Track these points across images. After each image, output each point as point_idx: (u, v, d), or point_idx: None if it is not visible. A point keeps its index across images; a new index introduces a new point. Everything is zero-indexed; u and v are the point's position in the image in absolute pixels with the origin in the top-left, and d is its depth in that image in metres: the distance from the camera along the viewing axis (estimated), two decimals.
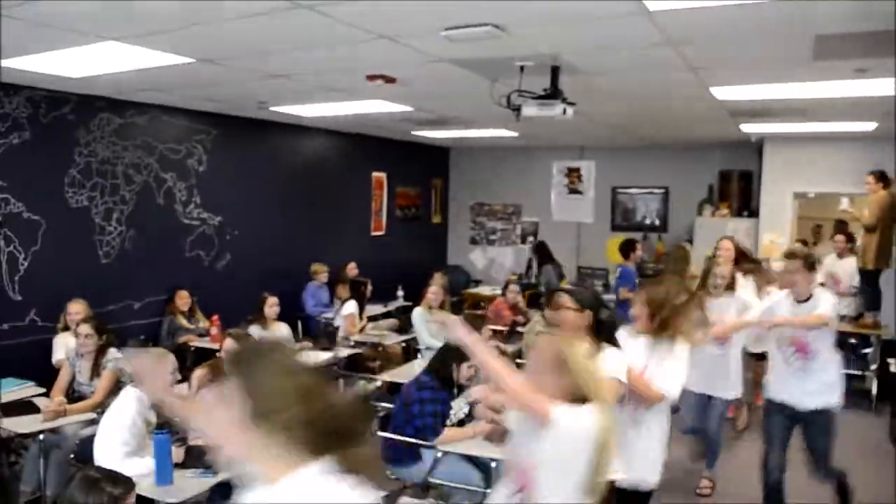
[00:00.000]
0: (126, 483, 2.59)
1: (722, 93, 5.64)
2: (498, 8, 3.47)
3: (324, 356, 6.37)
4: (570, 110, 4.69)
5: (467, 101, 6.27)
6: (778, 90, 5.40)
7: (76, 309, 5.62)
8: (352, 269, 8.72)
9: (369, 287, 8.00)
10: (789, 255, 4.47)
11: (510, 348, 6.65)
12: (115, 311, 6.65)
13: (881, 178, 7.52)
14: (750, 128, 7.93)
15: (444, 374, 4.47)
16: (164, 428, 3.64)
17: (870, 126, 7.34)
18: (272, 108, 7.22)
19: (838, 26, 3.59)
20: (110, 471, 2.69)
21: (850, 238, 8.11)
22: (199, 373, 4.30)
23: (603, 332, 3.26)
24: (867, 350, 7.82)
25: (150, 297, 7.04)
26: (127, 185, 6.79)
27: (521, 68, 4.67)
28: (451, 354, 4.49)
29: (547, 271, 9.93)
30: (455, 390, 4.52)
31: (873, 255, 7.43)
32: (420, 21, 3.75)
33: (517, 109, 4.76)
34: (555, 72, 4.70)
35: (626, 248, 8.10)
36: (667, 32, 3.80)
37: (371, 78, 5.24)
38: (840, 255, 7.97)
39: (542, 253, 10.16)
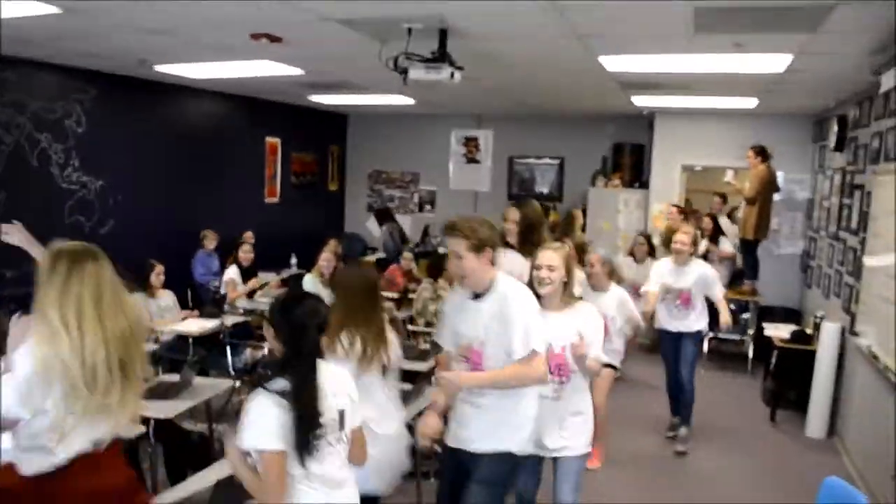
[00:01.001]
0: None
1: (610, 63, 5.72)
2: None
3: (210, 323, 6.21)
4: (457, 74, 4.66)
5: (358, 64, 6.15)
6: (663, 62, 5.51)
7: None
8: (249, 238, 8.49)
9: (242, 253, 7.73)
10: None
11: (402, 314, 6.69)
12: None
13: (760, 152, 7.86)
14: (641, 101, 8.11)
15: None
16: None
17: (751, 102, 7.63)
18: (156, 68, 6.90)
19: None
20: None
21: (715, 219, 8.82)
22: None
23: None
24: (745, 315, 8.22)
25: (26, 266, 6.62)
26: None
27: (409, 31, 4.61)
28: None
29: (384, 232, 10.31)
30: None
31: (753, 226, 7.77)
32: None
33: (404, 72, 4.70)
34: (443, 35, 4.65)
35: None
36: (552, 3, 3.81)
37: (255, 37, 5.06)
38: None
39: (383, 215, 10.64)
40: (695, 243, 5.83)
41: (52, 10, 4.43)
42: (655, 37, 4.73)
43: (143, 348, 2.67)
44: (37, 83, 6.70)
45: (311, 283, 6.59)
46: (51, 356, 2.28)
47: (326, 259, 6.73)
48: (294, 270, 9.19)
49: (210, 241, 8.21)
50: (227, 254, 8.23)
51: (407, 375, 4.97)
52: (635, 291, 6.13)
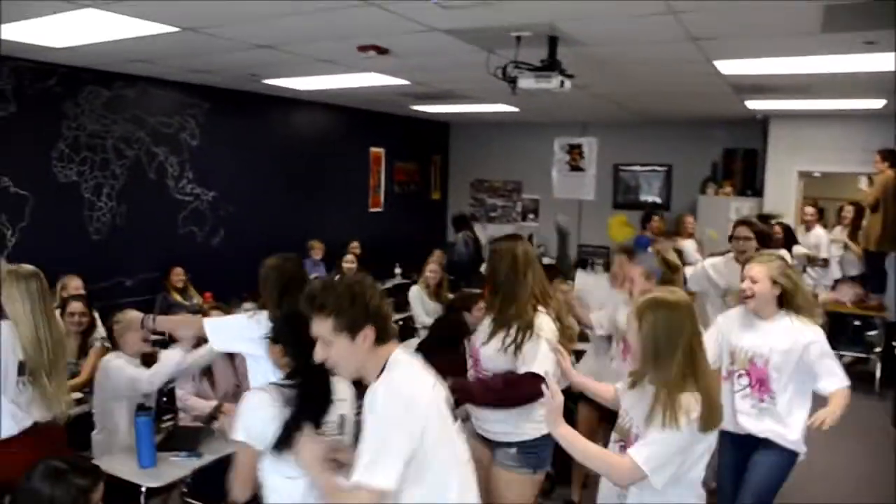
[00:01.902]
0: (94, 473, 2.48)
1: (726, 67, 5.46)
2: None
3: None
4: (567, 83, 4.53)
5: (464, 73, 6.10)
6: (783, 64, 5.21)
7: (75, 284, 5.53)
8: (354, 248, 8.57)
9: (346, 263, 7.78)
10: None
11: None
12: (107, 288, 6.53)
13: (888, 157, 7.34)
14: (755, 104, 7.74)
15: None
16: (146, 409, 3.55)
17: (878, 103, 7.14)
18: (265, 81, 7.05)
19: None
20: (76, 460, 2.58)
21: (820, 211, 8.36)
22: None
23: None
24: (871, 332, 7.70)
25: (142, 273, 6.92)
26: (117, 159, 6.65)
27: (518, 39, 4.51)
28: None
29: (459, 239, 10.14)
30: None
31: (877, 237, 7.26)
32: None
33: (513, 81, 4.59)
34: (552, 42, 4.54)
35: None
36: (669, 6, 3.64)
37: (362, 49, 5.07)
38: (808, 227, 8.19)
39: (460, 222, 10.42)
40: None
41: (169, 28, 4.56)
42: (777, 38, 4.47)
43: None
44: (154, 99, 6.96)
45: (417, 294, 6.56)
46: None
47: (433, 270, 6.69)
48: (398, 280, 9.23)
49: (317, 251, 8.33)
50: (332, 264, 8.35)
51: None
52: None
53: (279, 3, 3.95)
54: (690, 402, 2.26)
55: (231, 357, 4.42)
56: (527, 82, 4.49)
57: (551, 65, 4.50)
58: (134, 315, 3.90)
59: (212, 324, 3.53)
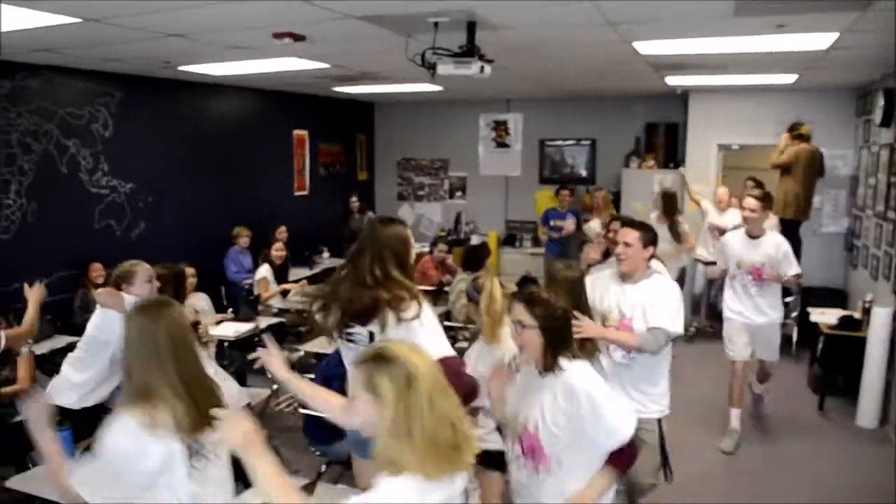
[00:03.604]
0: None
1: (644, 47, 5.51)
2: None
3: (245, 327, 6.16)
4: (487, 68, 4.51)
5: (384, 57, 6.00)
6: (700, 45, 5.30)
7: None
8: (282, 233, 8.41)
9: (275, 251, 7.65)
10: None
11: (438, 310, 6.48)
12: (20, 288, 6.24)
13: (797, 136, 7.53)
14: (674, 80, 7.86)
15: None
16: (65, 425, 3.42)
17: (791, 78, 7.34)
18: (180, 68, 6.81)
19: None
20: None
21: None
22: None
23: None
24: (788, 299, 7.96)
25: (59, 272, 6.64)
26: (24, 154, 6.34)
27: (436, 24, 4.45)
28: None
29: None
30: None
31: (793, 206, 7.45)
32: None
33: (432, 68, 4.55)
34: (471, 28, 4.49)
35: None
36: None
37: (278, 36, 4.93)
38: (722, 209, 8.35)
39: None
40: None
41: (70, 20, 4.34)
42: (692, 21, 4.52)
43: None
44: (61, 89, 6.64)
45: None
46: None
47: None
48: (327, 264, 9.13)
49: (243, 238, 8.16)
50: (258, 250, 8.19)
51: None
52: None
53: None
54: None
55: None
56: (446, 68, 4.45)
57: (470, 50, 4.46)
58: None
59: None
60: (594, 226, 8.24)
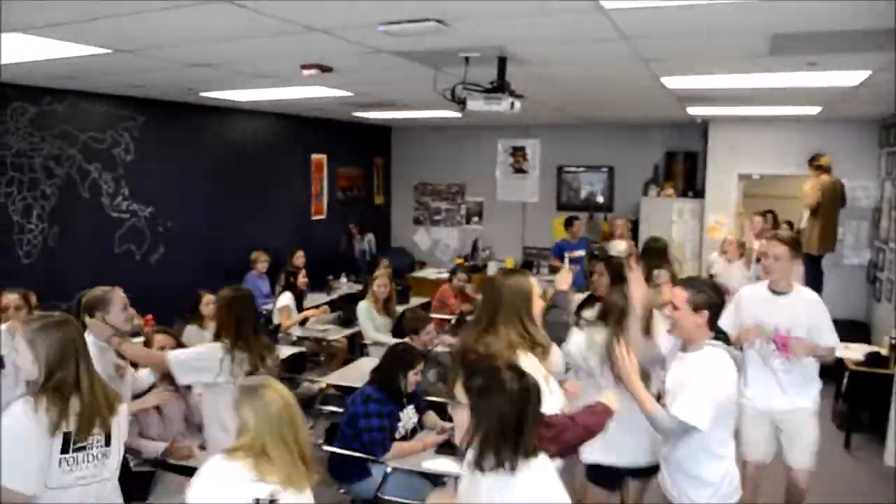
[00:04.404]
0: None
1: (672, 82, 5.49)
2: (441, 3, 3.22)
3: None
4: (517, 104, 4.48)
5: (409, 87, 6.00)
6: (729, 80, 5.27)
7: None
8: (298, 258, 8.36)
9: (301, 278, 7.66)
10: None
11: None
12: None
13: (817, 168, 7.51)
14: (696, 110, 7.84)
15: (389, 385, 4.26)
16: None
17: (815, 110, 7.31)
18: (202, 94, 6.82)
19: (796, 26, 3.46)
20: None
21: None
22: None
23: None
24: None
25: (78, 296, 6.61)
26: (47, 178, 6.34)
27: (466, 59, 4.43)
28: (396, 363, 4.29)
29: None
30: (404, 400, 4.33)
31: (817, 239, 7.43)
32: (355, 15, 3.46)
33: (462, 102, 4.53)
34: (502, 63, 4.47)
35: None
36: (621, 28, 3.61)
37: (306, 67, 4.93)
38: (729, 259, 7.49)
39: None
40: None
41: (102, 51, 4.34)
42: (725, 59, 4.49)
43: None
44: (85, 114, 6.65)
45: (365, 310, 6.45)
46: None
47: (382, 284, 6.58)
48: (344, 290, 9.09)
49: (262, 263, 8.11)
50: (275, 275, 8.16)
51: None
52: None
53: (218, 28, 3.78)
54: None
55: (178, 390, 4.25)
56: (476, 104, 4.43)
57: (500, 86, 4.44)
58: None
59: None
60: (619, 246, 8.19)
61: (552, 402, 2.79)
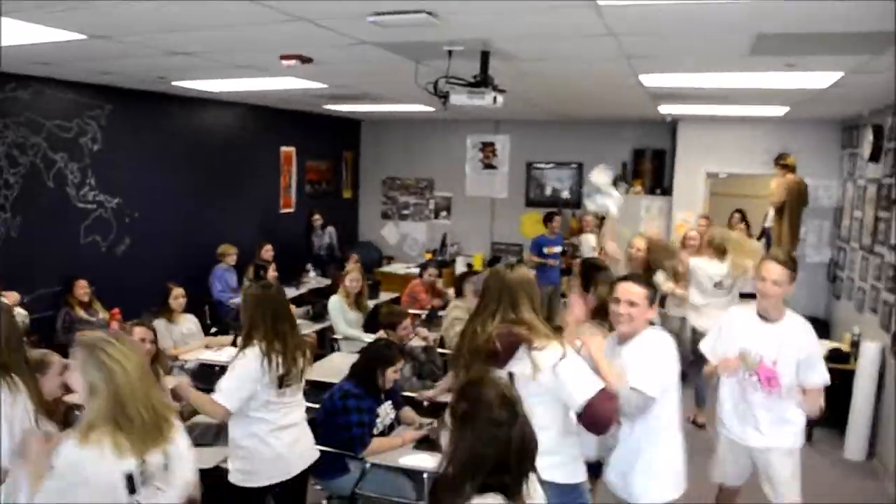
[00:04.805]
0: None
1: (650, 80, 5.54)
2: None
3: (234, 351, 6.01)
4: (500, 98, 4.48)
5: (387, 80, 5.98)
6: (706, 79, 5.33)
7: None
8: (267, 252, 8.28)
9: (271, 271, 7.60)
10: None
11: (431, 335, 6.38)
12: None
13: (784, 166, 7.64)
14: (667, 108, 7.93)
15: (368, 380, 4.23)
16: None
17: (781, 111, 7.45)
18: (174, 83, 6.69)
19: (782, 27, 3.51)
20: None
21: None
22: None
23: None
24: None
25: (41, 288, 6.45)
26: (11, 167, 6.17)
27: (450, 53, 4.42)
28: (376, 359, 4.27)
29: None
30: (381, 396, 4.31)
31: (787, 239, 7.55)
32: (346, 5, 3.42)
33: (444, 97, 4.51)
34: (485, 57, 4.46)
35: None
36: (611, 25, 3.62)
37: (286, 58, 4.86)
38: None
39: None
40: None
41: (78, 36, 4.23)
42: (706, 58, 4.55)
43: None
44: (51, 101, 6.48)
45: (337, 305, 6.40)
46: None
47: (354, 279, 6.54)
48: (313, 284, 9.02)
49: (230, 256, 8.00)
50: (242, 268, 8.06)
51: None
52: None
53: (203, 14, 3.71)
54: None
55: None
56: (459, 98, 4.42)
57: (484, 80, 4.43)
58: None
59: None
60: (590, 239, 8.30)
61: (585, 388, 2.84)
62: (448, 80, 4.46)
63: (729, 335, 3.84)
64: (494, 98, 4.43)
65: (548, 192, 10.80)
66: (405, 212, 11.66)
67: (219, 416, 3.45)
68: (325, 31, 3.99)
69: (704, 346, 3.98)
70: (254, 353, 3.40)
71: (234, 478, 3.51)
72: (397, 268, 10.63)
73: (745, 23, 3.49)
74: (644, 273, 5.15)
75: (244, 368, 3.39)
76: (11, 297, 5.36)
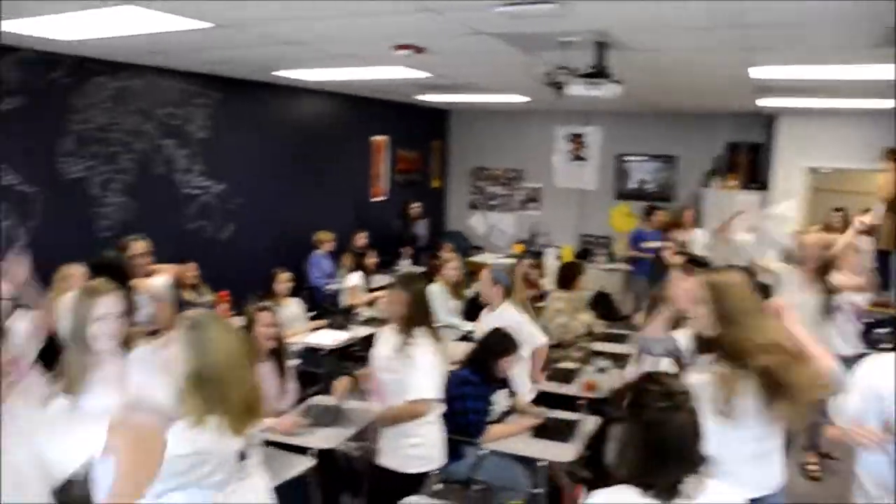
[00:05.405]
0: None
1: (760, 72, 5.36)
2: None
3: (343, 335, 6.13)
4: (618, 89, 4.41)
5: (491, 69, 5.95)
6: (821, 71, 5.13)
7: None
8: (360, 239, 8.40)
9: (371, 258, 7.71)
10: None
11: None
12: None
13: (891, 156, 7.32)
14: (766, 101, 7.67)
15: (484, 368, 4.25)
16: None
17: (889, 103, 7.11)
18: (274, 73, 6.82)
19: None
20: None
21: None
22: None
23: None
24: (882, 330, 7.70)
25: None
26: (125, 153, 6.40)
27: (565, 43, 4.36)
28: (492, 348, 4.28)
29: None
30: (497, 384, 4.33)
31: (892, 235, 7.23)
32: None
33: (559, 87, 4.47)
34: (601, 48, 4.39)
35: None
36: (739, 17, 3.52)
37: (400, 48, 4.89)
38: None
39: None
40: None
41: (202, 25, 4.34)
42: (829, 51, 4.38)
43: None
44: (162, 90, 6.69)
45: (439, 293, 6.42)
46: None
47: (454, 267, 6.58)
48: (407, 269, 9.08)
49: (328, 243, 8.12)
50: (337, 255, 8.18)
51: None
52: None
53: (329, 5, 3.76)
54: None
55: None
56: (577, 89, 4.37)
57: (602, 71, 4.37)
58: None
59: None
60: (698, 235, 8.17)
61: None
62: (566, 71, 4.41)
63: (876, 392, 2.72)
64: (613, 89, 4.36)
65: (635, 184, 10.61)
66: (493, 202, 11.63)
67: (424, 412, 3.61)
68: (444, 21, 3.99)
69: (847, 410, 2.80)
70: (427, 343, 3.60)
71: (410, 465, 3.65)
72: (487, 257, 10.62)
73: (879, 15, 3.34)
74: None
75: (430, 358, 3.59)
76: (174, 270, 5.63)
